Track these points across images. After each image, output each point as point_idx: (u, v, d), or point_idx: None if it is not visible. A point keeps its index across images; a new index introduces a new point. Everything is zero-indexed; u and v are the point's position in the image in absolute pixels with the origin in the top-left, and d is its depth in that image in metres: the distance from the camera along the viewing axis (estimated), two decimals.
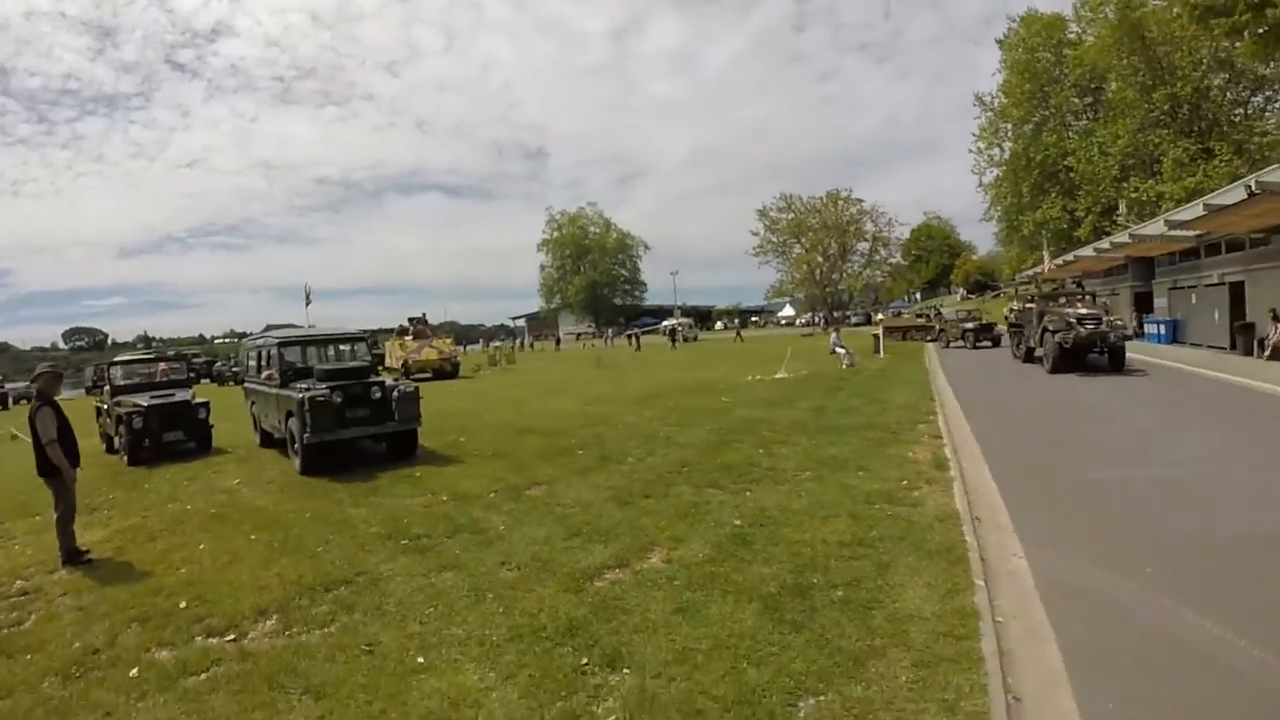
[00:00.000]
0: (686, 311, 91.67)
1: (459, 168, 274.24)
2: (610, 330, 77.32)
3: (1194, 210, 22.40)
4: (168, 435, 11.84)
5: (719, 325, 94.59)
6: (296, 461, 10.49)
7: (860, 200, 79.66)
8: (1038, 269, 47.38)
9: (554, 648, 4.10)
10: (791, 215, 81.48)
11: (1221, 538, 5.88)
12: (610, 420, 13.42)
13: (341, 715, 3.54)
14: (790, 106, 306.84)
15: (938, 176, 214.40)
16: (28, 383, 26.93)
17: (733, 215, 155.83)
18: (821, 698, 3.45)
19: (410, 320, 34.16)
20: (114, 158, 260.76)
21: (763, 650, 3.94)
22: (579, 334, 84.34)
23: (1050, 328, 21.46)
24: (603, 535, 6.15)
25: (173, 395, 12.35)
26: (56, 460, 6.25)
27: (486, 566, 5.56)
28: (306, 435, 9.98)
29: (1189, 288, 29.86)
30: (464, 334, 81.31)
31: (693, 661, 3.85)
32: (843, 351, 24.73)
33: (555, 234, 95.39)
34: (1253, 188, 18.08)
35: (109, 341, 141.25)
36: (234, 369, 35.19)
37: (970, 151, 57.38)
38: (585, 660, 3.93)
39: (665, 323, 71.87)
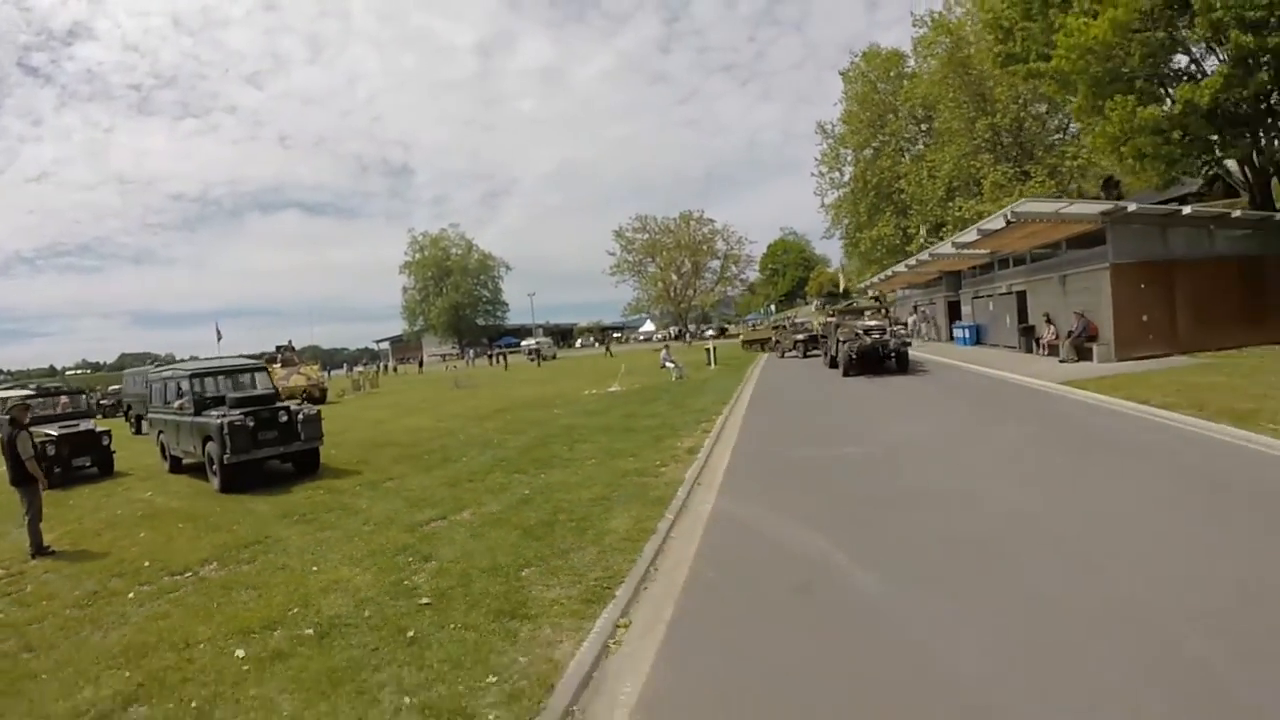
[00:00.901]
0: (548, 330, 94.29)
1: (321, 184, 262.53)
2: (471, 351, 78.81)
3: (971, 234, 26.28)
4: (76, 460, 13.55)
5: (579, 343, 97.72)
6: (216, 481, 11.56)
7: (712, 220, 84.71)
8: (873, 280, 52.63)
9: (393, 557, 7.00)
10: (646, 235, 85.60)
11: (874, 495, 8.16)
12: (456, 433, 16.28)
13: (270, 595, 6.29)
14: (655, 125, 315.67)
15: (797, 194, 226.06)
16: None
17: (596, 232, 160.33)
18: (537, 566, 6.50)
19: (278, 348, 35.12)
20: None
21: (513, 551, 6.96)
22: (443, 355, 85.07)
23: (842, 339, 25.66)
24: (433, 504, 9.07)
25: (78, 425, 14.09)
26: (34, 472, 8.50)
27: (353, 525, 8.36)
28: (227, 456, 11.06)
29: (987, 296, 33.10)
30: (327, 358, 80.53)
31: (471, 557, 6.83)
32: (671, 365, 27.93)
33: (418, 255, 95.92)
34: (1009, 216, 22.08)
35: None
36: (101, 401, 35.21)
37: (813, 175, 60.83)
38: (410, 559, 6.87)
39: (525, 342, 74.16)
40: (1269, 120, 23.42)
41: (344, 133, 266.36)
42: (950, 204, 46.13)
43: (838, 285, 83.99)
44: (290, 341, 36.36)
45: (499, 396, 26.66)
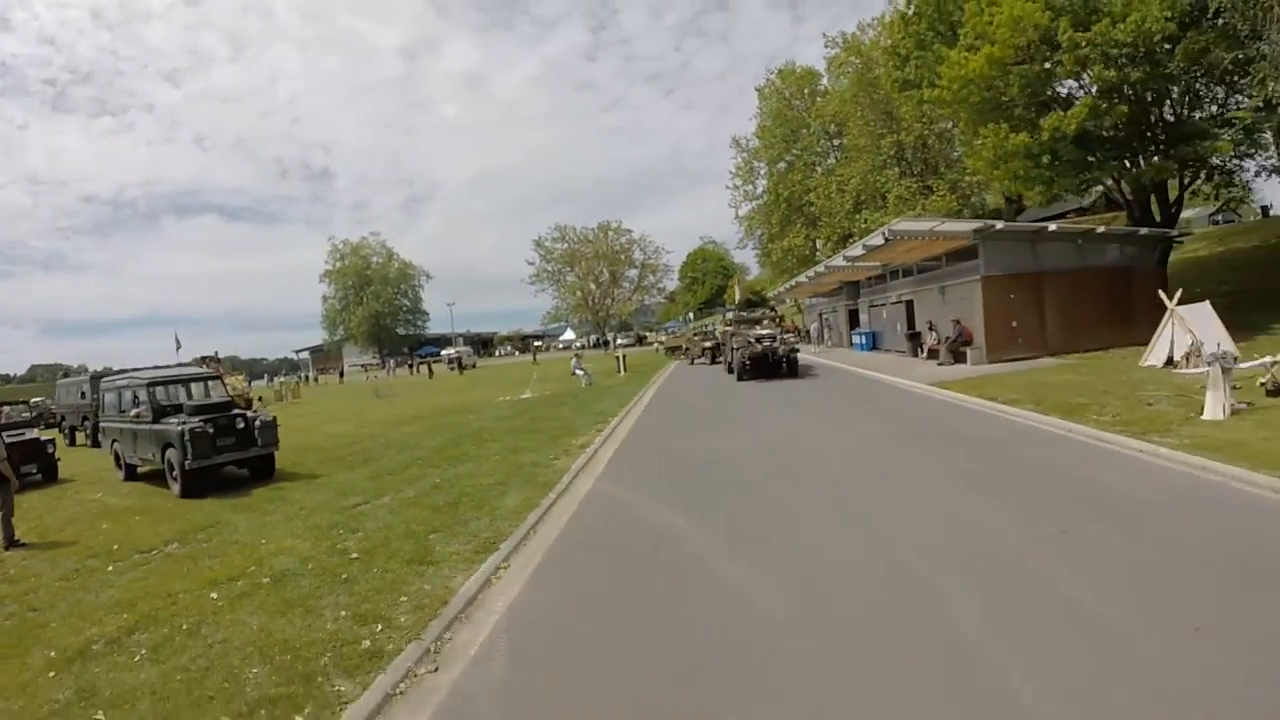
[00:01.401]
0: (468, 339, 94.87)
1: (240, 188, 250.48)
2: (392, 361, 78.85)
3: (858, 249, 28.77)
4: (24, 468, 14.50)
5: (499, 352, 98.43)
6: (176, 487, 11.96)
7: (630, 230, 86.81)
8: (780, 289, 54.98)
9: (327, 531, 8.72)
10: (566, 245, 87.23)
11: (725, 478, 10.08)
12: (376, 437, 17.82)
13: (229, 560, 7.90)
14: (580, 133, 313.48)
15: (719, 202, 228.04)
16: None
17: (518, 240, 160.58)
18: (442, 532, 8.32)
19: (203, 359, 35.44)
20: None
21: (423, 523, 8.77)
22: (364, 365, 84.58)
23: (736, 346, 27.99)
24: (358, 493, 10.76)
25: (24, 434, 15.03)
26: (6, 472, 9.79)
27: (291, 511, 9.99)
28: (188, 462, 11.46)
29: (881, 305, 35.18)
30: (247, 369, 79.26)
31: (390, 529, 8.61)
32: (581, 373, 29.80)
33: (338, 264, 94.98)
34: (886, 234, 24.01)
35: None
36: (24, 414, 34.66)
37: (728, 188, 62.59)
38: (341, 532, 8.60)
39: (446, 351, 74.68)
40: (1134, 145, 25.46)
41: (264, 134, 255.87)
42: (857, 216, 47.64)
43: (760, 294, 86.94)
44: (216, 352, 36.75)
45: (418, 404, 28.08)
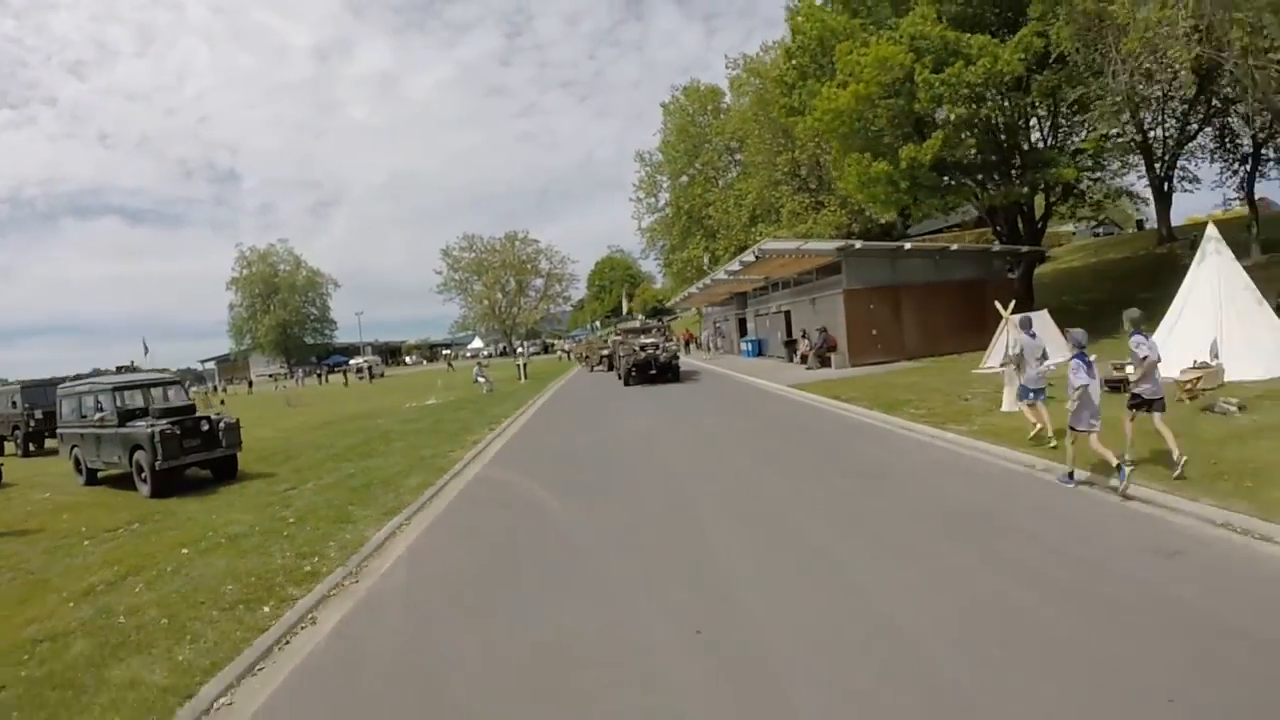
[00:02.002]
0: (377, 348, 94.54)
1: (143, 188, 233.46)
2: (301, 371, 78.27)
3: (736, 264, 30.90)
4: None
5: (408, 360, 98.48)
6: (145, 488, 12.51)
7: (536, 240, 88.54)
8: (676, 299, 57.34)
9: (266, 508, 10.89)
10: (473, 254, 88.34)
11: (586, 461, 13.07)
12: (294, 439, 19.72)
13: (187, 530, 10.01)
14: (492, 139, 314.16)
15: (629, 211, 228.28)
16: None
17: (427, 247, 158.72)
18: (357, 504, 10.64)
19: (119, 369, 35.65)
20: None
21: (343, 498, 11.06)
22: (272, 375, 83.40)
23: (621, 354, 30.74)
24: (287, 481, 12.92)
25: None
26: None
27: (233, 497, 12.05)
28: (159, 463, 11.96)
29: (765, 315, 37.38)
30: None
31: (316, 504, 10.87)
32: (483, 380, 31.90)
33: (245, 271, 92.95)
34: (756, 252, 26.27)
35: None
36: None
37: (631, 200, 65.31)
38: (278, 508, 10.81)
39: (354, 360, 74.83)
40: (991, 171, 28.18)
41: (169, 133, 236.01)
42: (753, 229, 49.31)
43: (662, 303, 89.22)
44: (133, 362, 36.91)
45: (329, 411, 29.70)
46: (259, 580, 7.56)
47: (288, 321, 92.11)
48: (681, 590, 6.34)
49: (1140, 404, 8.21)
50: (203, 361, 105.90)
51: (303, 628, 6.41)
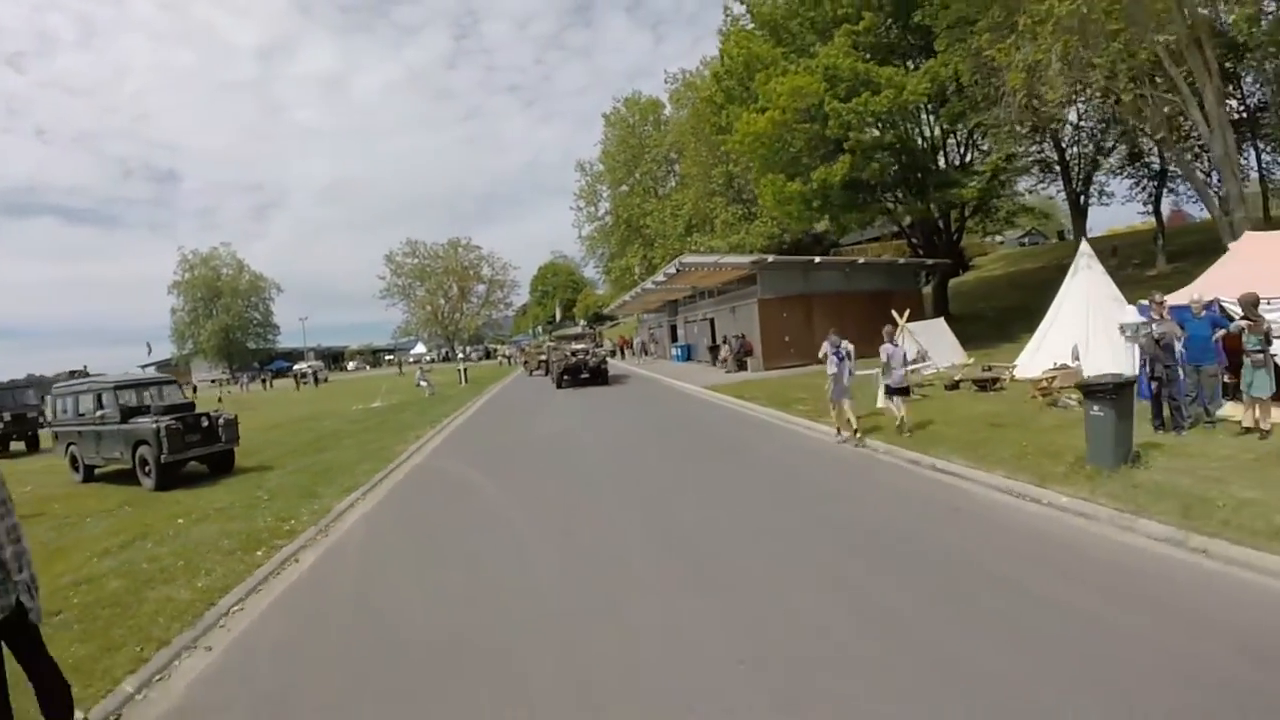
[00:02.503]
0: (320, 353, 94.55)
1: (81, 187, 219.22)
2: (245, 376, 78.18)
3: (661, 275, 33.08)
4: None
5: (351, 365, 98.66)
6: (149, 482, 13.09)
7: (479, 247, 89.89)
8: (613, 306, 59.15)
9: (241, 490, 12.92)
10: (416, 260, 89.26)
11: (513, 452, 16.02)
12: (250, 439, 21.45)
13: (177, 508, 11.93)
14: (437, 142, 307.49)
15: (572, 219, 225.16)
16: None
17: (371, 251, 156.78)
18: (320, 485, 12.76)
19: (71, 373, 36.28)
20: None
21: (307, 481, 13.15)
22: (214, 380, 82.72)
23: (553, 359, 33.06)
24: (254, 470, 14.94)
25: None
26: None
27: (209, 487, 14.12)
28: (164, 457, 12.51)
29: (694, 322, 39.46)
30: None
31: (285, 485, 12.95)
32: (425, 384, 33.75)
33: (187, 275, 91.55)
34: (678, 265, 28.55)
35: None
36: None
37: (572, 209, 66.91)
38: (253, 489, 12.83)
39: (298, 366, 75.04)
40: (901, 189, 30.81)
41: (108, 130, 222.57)
42: (689, 239, 51.64)
43: (599, 310, 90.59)
44: (85, 367, 37.65)
45: (279, 414, 31.20)
46: (249, 537, 9.72)
47: (230, 326, 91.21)
48: (569, 524, 8.85)
49: (891, 391, 12.31)
50: (143, 366, 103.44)
51: (288, 565, 8.67)
